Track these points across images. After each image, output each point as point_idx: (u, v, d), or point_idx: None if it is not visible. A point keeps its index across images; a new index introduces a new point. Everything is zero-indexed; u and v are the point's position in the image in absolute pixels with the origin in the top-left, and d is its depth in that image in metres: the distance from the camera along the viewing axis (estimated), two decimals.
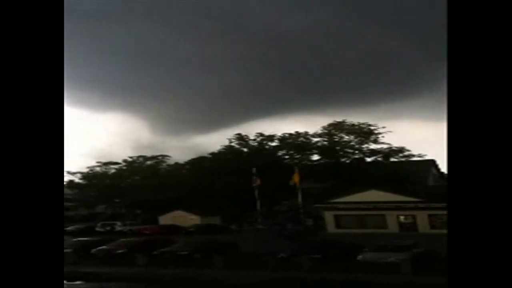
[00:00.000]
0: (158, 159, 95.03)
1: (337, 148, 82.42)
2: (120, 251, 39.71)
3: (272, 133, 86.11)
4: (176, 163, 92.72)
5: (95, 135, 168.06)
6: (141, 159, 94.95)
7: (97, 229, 66.83)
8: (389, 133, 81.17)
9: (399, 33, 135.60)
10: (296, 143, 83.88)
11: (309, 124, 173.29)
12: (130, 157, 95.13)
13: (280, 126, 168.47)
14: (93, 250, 40.56)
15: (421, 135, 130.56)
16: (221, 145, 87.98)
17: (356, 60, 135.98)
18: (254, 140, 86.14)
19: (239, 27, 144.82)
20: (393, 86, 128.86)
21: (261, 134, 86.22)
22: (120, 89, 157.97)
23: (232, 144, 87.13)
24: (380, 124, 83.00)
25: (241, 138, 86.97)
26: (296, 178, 63.63)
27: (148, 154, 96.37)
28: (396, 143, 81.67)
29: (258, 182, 64.76)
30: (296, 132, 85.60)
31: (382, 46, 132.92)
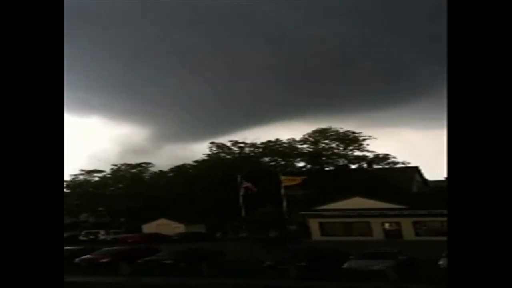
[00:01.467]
0: (142, 167, 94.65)
1: (322, 154, 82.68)
2: (104, 260, 39.21)
3: (255, 140, 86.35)
4: (160, 171, 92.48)
5: (86, 141, 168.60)
6: (123, 167, 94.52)
7: (81, 237, 66.35)
8: (374, 140, 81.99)
9: (392, 41, 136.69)
10: (281, 150, 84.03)
11: (294, 131, 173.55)
12: (115, 165, 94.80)
13: (264, 133, 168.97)
14: (77, 259, 40.01)
15: (405, 142, 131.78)
16: (204, 153, 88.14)
17: (343, 68, 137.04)
18: (238, 147, 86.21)
19: (229, 34, 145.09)
20: (380, 94, 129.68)
21: (244, 142, 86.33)
22: (110, 92, 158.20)
23: (216, 151, 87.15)
24: (364, 131, 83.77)
25: (224, 145, 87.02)
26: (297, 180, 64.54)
27: (134, 161, 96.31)
28: (380, 150, 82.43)
29: (254, 188, 64.86)
30: (277, 139, 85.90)
31: (372, 53, 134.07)
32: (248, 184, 65.75)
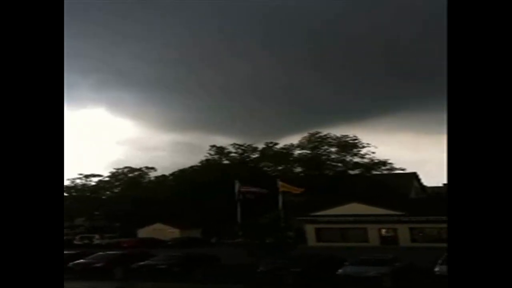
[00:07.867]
0: (142, 171, 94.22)
1: (320, 160, 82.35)
2: (97, 265, 38.92)
3: (252, 144, 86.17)
4: (160, 176, 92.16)
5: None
6: (126, 170, 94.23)
7: (75, 242, 66.02)
8: (372, 146, 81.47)
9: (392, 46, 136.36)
10: (279, 155, 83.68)
11: (292, 136, 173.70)
12: (116, 169, 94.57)
13: (263, 138, 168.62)
14: (70, 264, 39.63)
15: (404, 148, 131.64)
16: (203, 157, 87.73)
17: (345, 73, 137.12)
18: (236, 152, 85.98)
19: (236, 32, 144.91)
20: (380, 100, 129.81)
21: (242, 146, 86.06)
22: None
23: (214, 156, 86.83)
24: (363, 137, 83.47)
25: (223, 149, 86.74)
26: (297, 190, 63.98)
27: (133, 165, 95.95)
28: (378, 156, 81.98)
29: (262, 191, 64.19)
30: (274, 142, 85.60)
31: (375, 62, 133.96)
32: (248, 188, 64.95)
